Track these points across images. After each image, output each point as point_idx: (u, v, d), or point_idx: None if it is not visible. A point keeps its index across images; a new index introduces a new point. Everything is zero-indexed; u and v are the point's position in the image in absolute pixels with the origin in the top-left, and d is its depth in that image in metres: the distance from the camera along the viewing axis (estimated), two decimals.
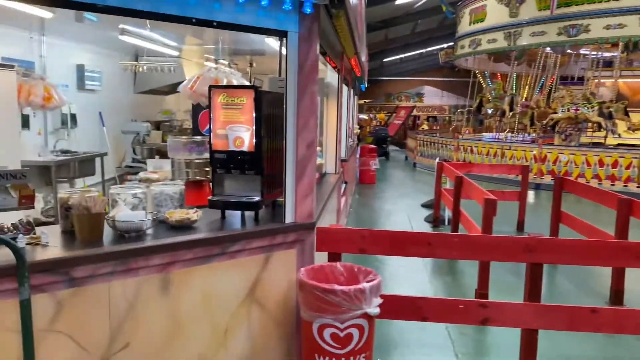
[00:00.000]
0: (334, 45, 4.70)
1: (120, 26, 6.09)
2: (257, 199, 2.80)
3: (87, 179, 7.40)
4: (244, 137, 2.74)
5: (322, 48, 3.92)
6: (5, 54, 5.89)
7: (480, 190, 4.73)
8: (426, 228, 7.20)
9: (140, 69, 5.35)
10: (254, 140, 2.73)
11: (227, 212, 2.89)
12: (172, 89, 9.72)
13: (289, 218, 2.81)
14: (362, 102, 28.14)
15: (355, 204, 9.01)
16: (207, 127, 7.81)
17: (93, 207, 2.38)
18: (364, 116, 23.75)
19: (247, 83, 4.35)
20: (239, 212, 2.89)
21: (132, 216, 2.46)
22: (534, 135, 14.02)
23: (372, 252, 2.90)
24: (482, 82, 19.30)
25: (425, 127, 24.16)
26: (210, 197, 2.86)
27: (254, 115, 2.70)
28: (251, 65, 9.98)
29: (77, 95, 7.47)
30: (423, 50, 25.93)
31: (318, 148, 4.60)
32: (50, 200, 6.43)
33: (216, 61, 7.84)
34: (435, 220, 7.18)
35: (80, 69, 7.43)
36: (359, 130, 14.97)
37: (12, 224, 2.39)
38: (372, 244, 2.85)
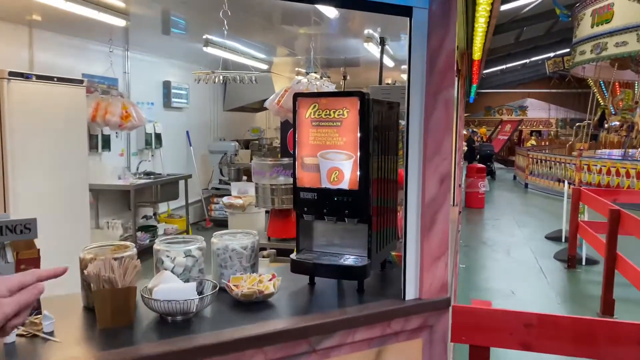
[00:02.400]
0: (458, 42, 3.68)
1: (205, 36, 5.52)
2: (362, 262, 1.87)
3: (171, 203, 6.93)
4: (343, 168, 1.83)
5: None
6: (87, 70, 5.51)
7: None
8: (559, 269, 5.86)
9: (216, 80, 4.68)
10: (359, 173, 1.81)
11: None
12: (263, 106, 9.21)
13: (410, 293, 1.85)
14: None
15: (465, 235, 7.80)
16: None
17: (119, 278, 1.57)
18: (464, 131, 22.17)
19: None
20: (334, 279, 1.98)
21: (177, 292, 1.62)
22: None
23: (544, 350, 1.83)
24: (597, 92, 17.10)
25: (533, 142, 22.02)
26: (293, 257, 1.97)
27: (360, 135, 1.79)
28: (345, 77, 9.18)
29: (163, 114, 7.07)
30: (527, 60, 23.90)
31: None
32: (129, 227, 5.95)
33: (307, 73, 7.13)
34: (571, 260, 5.82)
35: (167, 85, 7.02)
36: (465, 149, 13.66)
37: None
38: (545, 337, 1.79)
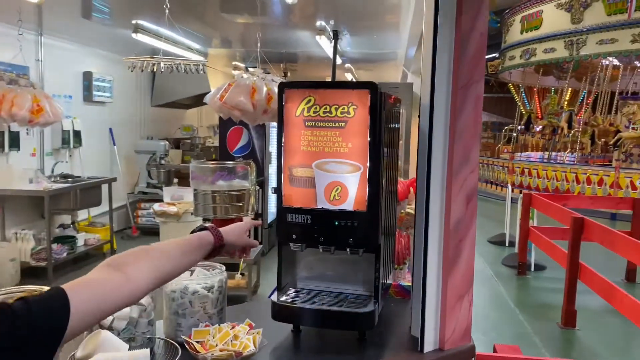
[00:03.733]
0: None
1: (134, 22, 4.85)
2: (367, 305, 1.44)
3: (92, 209, 6.15)
4: (347, 183, 1.39)
5: None
6: None
7: (633, 243, 3.31)
8: (509, 276, 5.74)
9: (155, 67, 4.06)
10: (368, 190, 1.37)
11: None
12: (195, 101, 8.50)
13: (429, 343, 1.44)
14: None
15: None
16: (238, 146, 6.49)
17: None
18: None
19: None
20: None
21: None
22: (586, 155, 12.52)
23: None
24: (517, 99, 17.80)
25: None
26: (274, 299, 1.49)
27: (371, 140, 1.36)
28: (285, 75, 8.72)
29: (83, 108, 6.26)
30: None
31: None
32: (43, 238, 5.15)
33: (246, 68, 6.60)
34: (521, 267, 5.72)
35: (87, 76, 6.21)
36: None
37: None
38: None
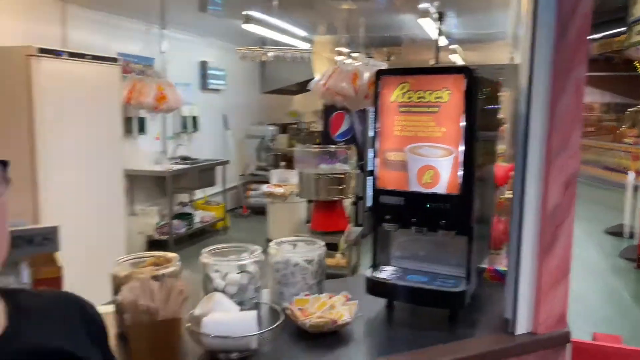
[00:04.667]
0: None
1: (244, 12, 5.14)
2: (459, 285, 1.48)
3: (207, 190, 6.66)
4: (440, 166, 1.44)
5: None
6: (123, 49, 5.21)
7: None
8: (627, 269, 5.34)
9: (264, 57, 4.29)
10: (461, 173, 1.41)
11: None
12: (301, 87, 8.77)
13: (522, 326, 1.45)
14: None
15: None
16: (339, 131, 6.62)
17: (161, 307, 1.22)
18: None
19: None
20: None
21: (232, 324, 1.27)
22: None
23: None
24: None
25: None
26: (368, 274, 1.59)
27: (465, 125, 1.39)
28: (389, 58, 8.68)
29: (200, 96, 6.75)
30: None
31: None
32: (165, 214, 5.70)
33: (349, 54, 6.68)
34: None
35: (203, 66, 6.68)
36: None
37: None
38: None
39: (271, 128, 7.73)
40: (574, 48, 1.38)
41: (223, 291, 1.46)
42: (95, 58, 3.86)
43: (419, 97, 1.44)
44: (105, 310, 1.32)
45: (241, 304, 1.45)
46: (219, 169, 6.29)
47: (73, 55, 3.68)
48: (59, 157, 3.56)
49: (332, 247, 4.36)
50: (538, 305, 1.45)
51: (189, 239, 5.98)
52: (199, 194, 6.56)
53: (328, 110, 5.99)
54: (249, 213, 7.31)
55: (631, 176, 6.55)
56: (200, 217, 6.15)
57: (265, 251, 1.58)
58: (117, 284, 1.37)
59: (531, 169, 1.40)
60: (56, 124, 3.52)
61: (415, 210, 1.48)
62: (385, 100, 1.49)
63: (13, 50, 3.42)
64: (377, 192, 1.53)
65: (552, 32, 1.36)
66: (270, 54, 4.16)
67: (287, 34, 6.33)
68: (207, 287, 1.48)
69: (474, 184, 1.44)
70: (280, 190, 5.27)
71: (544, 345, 1.46)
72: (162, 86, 4.65)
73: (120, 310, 1.35)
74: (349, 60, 4.71)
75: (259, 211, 6.95)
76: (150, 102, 4.51)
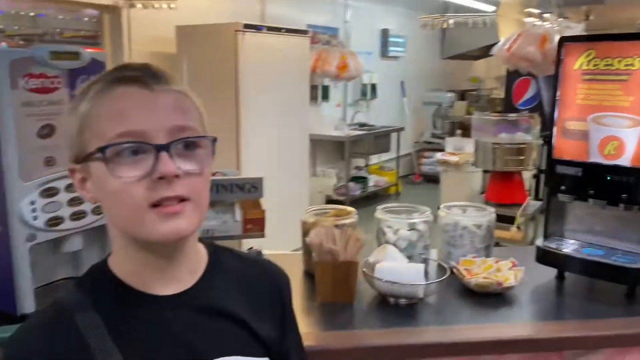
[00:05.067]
0: None
1: None
2: (638, 263, 1.42)
3: (382, 155, 6.89)
4: (625, 137, 1.38)
5: None
6: (311, 21, 5.60)
7: None
8: None
9: (445, 25, 4.26)
10: None
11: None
12: (484, 52, 8.37)
13: None
14: None
15: None
16: (523, 99, 6.27)
17: (341, 251, 1.43)
18: None
19: None
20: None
21: (402, 273, 1.42)
22: None
23: None
24: None
25: None
26: (539, 243, 1.60)
27: None
28: (587, 17, 7.81)
29: (379, 64, 6.94)
30: None
31: None
32: (342, 177, 6.08)
33: (541, 15, 6.19)
34: None
35: (384, 34, 6.83)
36: None
37: None
38: None
39: (449, 95, 7.61)
40: None
41: (394, 244, 1.62)
42: (289, 31, 4.26)
43: (607, 65, 1.38)
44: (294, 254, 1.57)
45: (410, 257, 1.59)
46: (394, 135, 6.46)
47: (271, 29, 4.13)
48: (258, 121, 4.08)
49: (507, 220, 4.23)
50: None
51: (363, 201, 6.30)
52: (374, 159, 6.83)
53: (511, 76, 5.69)
54: (421, 180, 7.38)
55: None
56: (374, 181, 6.42)
57: (435, 215, 1.69)
58: (306, 229, 1.61)
59: None
60: (255, 92, 4.02)
61: (594, 182, 1.45)
62: (568, 68, 1.46)
63: (224, 27, 3.95)
64: (554, 162, 1.52)
65: None
66: (451, 21, 4.10)
67: None
68: (380, 239, 1.65)
69: None
70: (454, 158, 5.24)
71: None
72: (345, 55, 4.92)
73: (307, 251, 1.59)
74: (539, 22, 4.41)
75: (432, 179, 6.98)
76: (333, 70, 4.82)
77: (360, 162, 6.70)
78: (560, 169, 1.50)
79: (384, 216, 1.67)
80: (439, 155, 5.39)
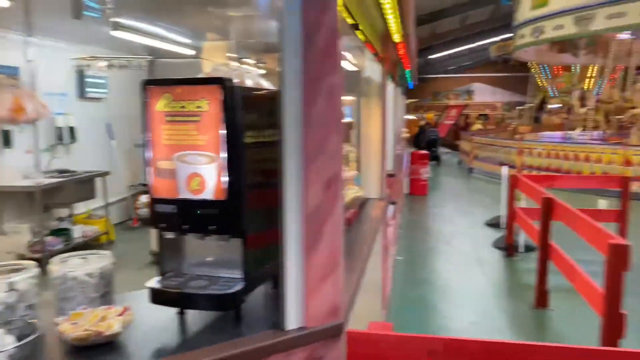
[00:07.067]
0: (373, 22, 3.38)
1: (112, 19, 4.99)
2: (234, 287, 1.53)
3: (93, 202, 6.39)
4: (205, 173, 1.48)
5: (353, 19, 2.62)
6: None
7: (591, 225, 3.29)
8: (497, 258, 5.75)
9: (99, 66, 4.20)
10: (227, 179, 1.46)
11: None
12: None
13: (291, 321, 1.53)
14: (407, 102, 26.58)
15: (405, 225, 7.61)
16: None
17: None
18: (410, 117, 22.14)
19: (266, 85, 2.97)
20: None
21: None
22: (605, 133, 12.22)
23: None
24: (537, 76, 17.38)
25: (479, 126, 22.24)
26: (151, 284, 1.60)
27: (225, 132, 1.44)
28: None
29: (78, 105, 6.47)
30: (473, 45, 24.09)
31: (350, 173, 3.29)
32: (40, 231, 5.41)
33: (239, 60, 6.68)
34: (509, 248, 5.72)
35: (80, 73, 6.41)
36: (407, 135, 13.56)
37: None
38: None
39: None
40: (323, 57, 1.47)
41: None
42: None
43: (182, 107, 1.47)
44: None
45: (7, 324, 1.41)
46: (99, 180, 6.06)
47: None
48: None
49: None
50: (307, 300, 1.53)
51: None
52: (81, 207, 6.29)
53: None
54: (139, 225, 7.09)
55: (504, 170, 7.03)
56: (82, 232, 5.89)
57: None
58: None
59: (290, 173, 1.48)
60: None
61: (187, 217, 1.52)
62: (153, 110, 1.51)
63: None
64: (154, 201, 1.55)
65: (298, 43, 1.44)
66: (104, 63, 4.06)
67: (169, 41, 6.22)
68: None
69: (242, 188, 1.50)
70: None
71: (316, 338, 1.54)
72: (20, 96, 4.41)
73: None
74: (223, 67, 4.70)
75: None
76: (5, 113, 4.27)
77: (64, 212, 6.08)
78: (159, 208, 1.54)
79: None
80: (143, 198, 5.25)
